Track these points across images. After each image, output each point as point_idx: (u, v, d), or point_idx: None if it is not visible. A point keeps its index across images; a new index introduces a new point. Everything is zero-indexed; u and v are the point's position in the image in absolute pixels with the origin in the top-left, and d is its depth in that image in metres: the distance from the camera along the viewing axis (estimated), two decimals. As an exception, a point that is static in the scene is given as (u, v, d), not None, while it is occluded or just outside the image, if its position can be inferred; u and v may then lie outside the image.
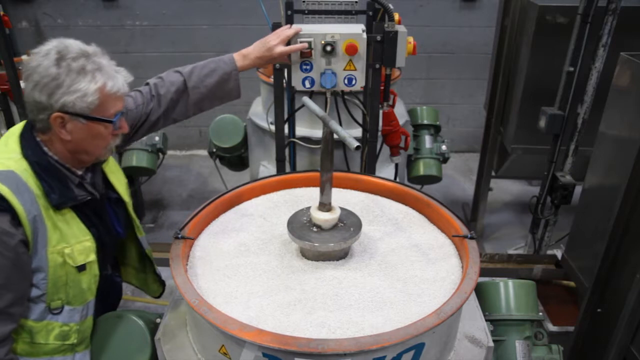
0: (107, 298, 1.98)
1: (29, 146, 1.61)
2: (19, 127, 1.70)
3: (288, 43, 2.19)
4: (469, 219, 4.98)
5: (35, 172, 1.58)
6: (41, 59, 1.54)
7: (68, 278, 1.65)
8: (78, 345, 1.76)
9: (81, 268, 1.66)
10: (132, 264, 2.16)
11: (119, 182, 1.93)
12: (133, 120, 1.95)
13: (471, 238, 1.80)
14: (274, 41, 2.12)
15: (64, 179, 1.64)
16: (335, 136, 1.64)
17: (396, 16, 2.65)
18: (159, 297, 2.25)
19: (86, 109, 1.57)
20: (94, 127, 1.61)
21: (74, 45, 1.59)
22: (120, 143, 1.88)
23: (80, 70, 1.55)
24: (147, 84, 2.05)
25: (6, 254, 1.49)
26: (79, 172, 1.70)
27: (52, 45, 1.56)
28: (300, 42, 2.48)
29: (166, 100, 2.01)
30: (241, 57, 2.13)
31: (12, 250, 1.49)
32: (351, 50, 2.49)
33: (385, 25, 2.59)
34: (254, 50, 2.14)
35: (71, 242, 1.63)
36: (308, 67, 2.56)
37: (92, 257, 1.69)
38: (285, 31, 2.16)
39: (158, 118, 2.01)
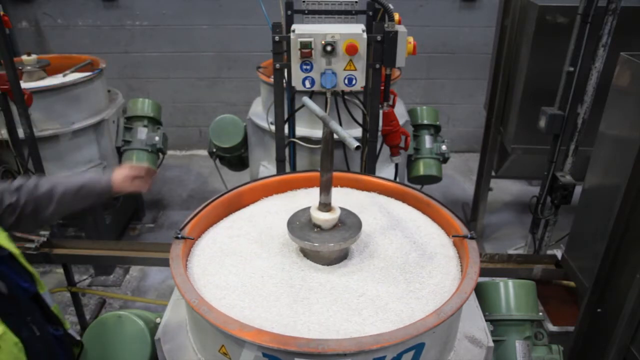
0: (54, 357, 1.78)
1: None
2: None
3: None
4: (469, 219, 4.98)
5: None
6: None
7: None
8: None
9: None
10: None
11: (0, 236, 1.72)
12: None
13: (471, 238, 1.80)
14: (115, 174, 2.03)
15: None
16: (335, 136, 1.64)
17: (396, 16, 2.65)
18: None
19: None
20: None
21: None
22: None
23: None
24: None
25: None
26: None
27: None
28: (301, 42, 2.49)
29: (27, 191, 1.87)
30: (116, 171, 2.03)
31: None
32: (351, 50, 2.49)
33: (385, 25, 2.59)
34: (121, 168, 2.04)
35: None
36: (308, 67, 2.56)
37: (1, 329, 1.52)
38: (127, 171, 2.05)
39: (20, 212, 1.85)
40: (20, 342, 1.57)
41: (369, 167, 2.98)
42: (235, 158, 4.18)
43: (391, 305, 1.57)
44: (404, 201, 2.17)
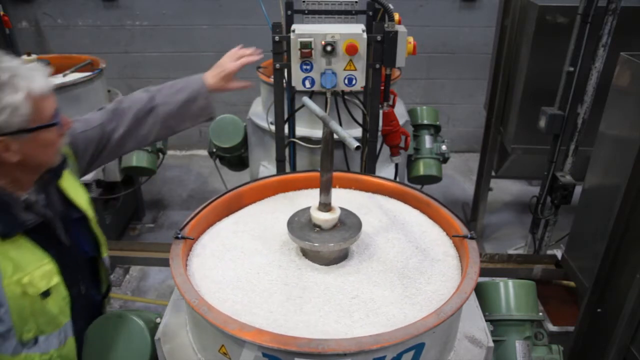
0: (88, 317, 1.83)
1: None
2: None
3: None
4: (469, 219, 4.98)
5: None
6: None
7: (34, 307, 1.55)
8: None
9: (45, 294, 1.56)
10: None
11: (80, 198, 1.78)
12: (89, 141, 1.86)
13: (471, 238, 1.80)
14: (228, 60, 2.05)
15: (6, 207, 1.52)
16: (335, 136, 1.64)
17: (396, 16, 2.65)
18: None
19: (24, 122, 1.44)
20: (39, 136, 1.50)
21: None
22: (85, 167, 1.80)
23: None
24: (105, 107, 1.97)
25: None
26: (23, 196, 1.58)
27: None
28: (301, 42, 2.49)
29: (130, 116, 1.90)
30: (208, 77, 2.04)
31: None
32: (351, 50, 2.49)
33: (385, 25, 2.59)
34: (212, 71, 2.05)
35: (28, 269, 1.52)
36: (308, 67, 2.56)
37: (56, 279, 1.59)
38: (240, 51, 2.08)
39: (122, 137, 1.89)
40: (69, 297, 1.65)
41: (369, 167, 2.98)
42: (235, 158, 4.18)
43: (384, 309, 1.56)
44: (404, 201, 2.17)
